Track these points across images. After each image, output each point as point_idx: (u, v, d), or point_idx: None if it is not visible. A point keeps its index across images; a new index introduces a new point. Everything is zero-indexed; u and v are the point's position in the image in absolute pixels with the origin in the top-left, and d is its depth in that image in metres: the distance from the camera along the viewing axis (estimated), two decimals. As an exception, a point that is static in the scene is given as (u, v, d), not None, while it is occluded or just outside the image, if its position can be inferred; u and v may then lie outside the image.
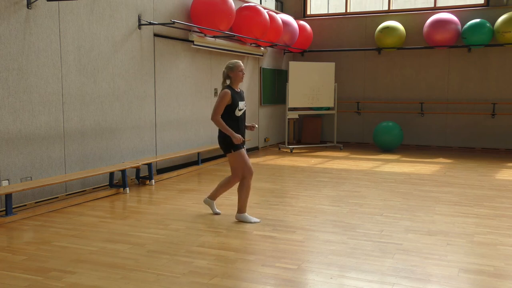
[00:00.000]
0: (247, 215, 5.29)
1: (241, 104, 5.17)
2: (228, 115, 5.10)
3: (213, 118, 5.07)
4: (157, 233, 4.80)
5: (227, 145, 5.16)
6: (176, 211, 5.68)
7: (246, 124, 5.40)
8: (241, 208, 5.27)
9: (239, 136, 5.08)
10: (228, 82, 5.20)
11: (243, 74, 5.20)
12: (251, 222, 5.21)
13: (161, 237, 4.66)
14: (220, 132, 5.19)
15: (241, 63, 5.20)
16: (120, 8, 7.04)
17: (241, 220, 5.26)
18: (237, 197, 5.32)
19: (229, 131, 5.05)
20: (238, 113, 5.15)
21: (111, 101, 6.95)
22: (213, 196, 5.59)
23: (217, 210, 5.61)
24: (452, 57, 11.69)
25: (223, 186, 5.49)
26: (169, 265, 3.92)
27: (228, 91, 5.07)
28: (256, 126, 5.52)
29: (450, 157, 10.39)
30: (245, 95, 10.63)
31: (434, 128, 11.99)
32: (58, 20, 6.04)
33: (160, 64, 7.97)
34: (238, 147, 5.15)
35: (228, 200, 6.13)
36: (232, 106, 5.09)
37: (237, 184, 5.36)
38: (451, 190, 6.95)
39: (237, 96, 5.14)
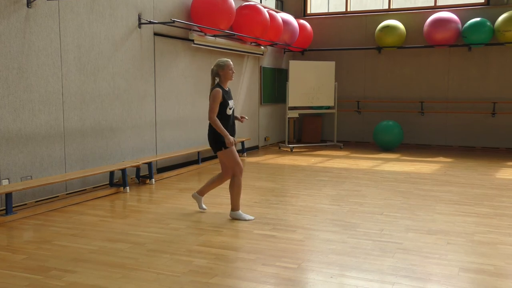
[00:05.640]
0: (241, 212, 5.32)
1: (231, 103, 5.19)
2: (219, 114, 5.11)
3: (211, 118, 5.07)
4: (157, 232, 4.80)
5: (218, 143, 5.17)
6: (176, 210, 5.68)
7: (236, 115, 5.44)
8: (235, 206, 5.30)
9: (233, 139, 5.11)
10: (217, 80, 5.20)
11: (233, 72, 5.21)
12: (245, 220, 5.23)
13: (161, 236, 4.66)
14: (210, 130, 5.21)
15: (231, 62, 5.21)
16: (120, 7, 7.04)
17: (235, 218, 5.28)
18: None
19: (224, 132, 5.06)
20: (229, 112, 5.16)
21: (111, 100, 6.95)
22: (202, 192, 5.62)
23: (204, 206, 5.66)
24: (453, 56, 11.68)
25: (214, 183, 5.53)
26: (169, 264, 3.92)
27: (219, 89, 5.09)
28: (246, 118, 5.54)
29: (450, 156, 10.38)
30: (244, 94, 10.70)
31: (434, 127, 11.98)
32: (58, 19, 6.03)
33: (160, 63, 7.96)
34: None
35: (228, 199, 6.12)
36: (223, 104, 5.11)
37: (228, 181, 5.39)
38: (451, 189, 6.94)
39: (227, 95, 5.16)
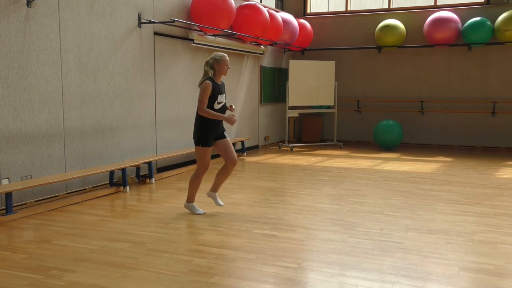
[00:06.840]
0: (195, 205, 5.47)
1: (220, 97, 5.18)
2: (207, 107, 5.13)
3: (200, 111, 5.13)
4: (157, 232, 4.80)
5: (198, 138, 5.24)
6: (176, 210, 5.68)
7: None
8: (189, 198, 5.46)
9: (231, 116, 5.11)
10: (211, 73, 5.19)
11: (228, 68, 5.21)
12: (196, 213, 5.40)
13: (161, 236, 4.66)
14: (195, 124, 5.28)
15: (227, 57, 5.21)
16: (120, 6, 7.04)
17: (187, 209, 5.47)
18: (235, 195, 5.35)
19: (220, 115, 5.11)
20: (217, 106, 5.17)
21: (111, 100, 6.95)
22: (215, 188, 5.63)
23: (221, 202, 5.63)
24: (453, 56, 11.68)
25: (221, 176, 5.56)
26: (169, 263, 3.92)
27: (209, 82, 5.08)
28: (233, 106, 5.41)
29: (450, 156, 10.38)
30: (243, 93, 10.70)
31: (434, 126, 11.98)
32: (58, 18, 6.03)
33: (160, 62, 7.96)
34: (206, 144, 5.22)
35: (228, 198, 6.13)
36: (212, 98, 5.12)
37: (230, 175, 5.51)
38: (451, 188, 6.94)
39: (217, 89, 5.14)
